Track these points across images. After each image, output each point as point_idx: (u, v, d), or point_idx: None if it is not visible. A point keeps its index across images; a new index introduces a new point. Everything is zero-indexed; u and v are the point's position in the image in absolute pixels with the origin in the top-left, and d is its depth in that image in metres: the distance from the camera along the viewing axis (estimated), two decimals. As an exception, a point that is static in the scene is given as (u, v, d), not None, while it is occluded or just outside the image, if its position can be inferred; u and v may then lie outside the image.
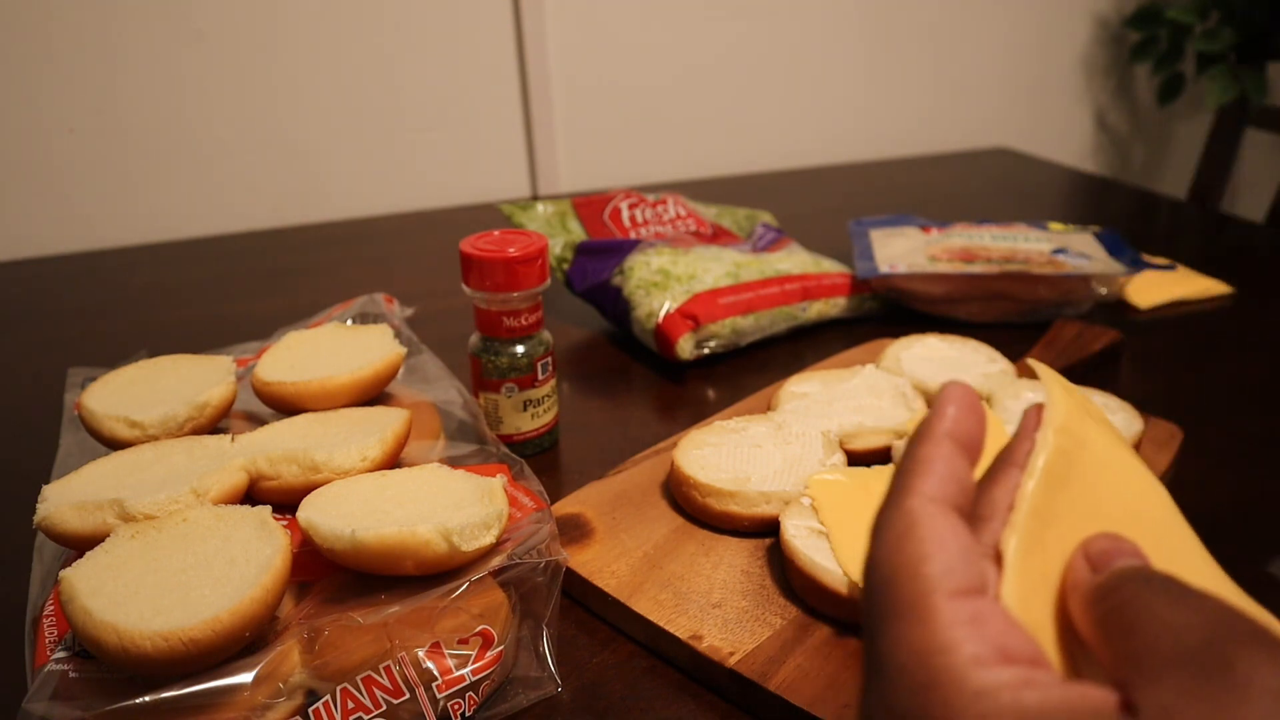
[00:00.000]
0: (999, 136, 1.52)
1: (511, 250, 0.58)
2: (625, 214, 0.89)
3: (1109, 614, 0.22)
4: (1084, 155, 1.61)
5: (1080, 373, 0.70)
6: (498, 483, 0.44)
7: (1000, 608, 0.22)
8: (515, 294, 0.58)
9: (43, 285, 0.98)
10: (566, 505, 0.54)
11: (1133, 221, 1.13)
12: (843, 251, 0.90)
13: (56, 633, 0.39)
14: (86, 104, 1.06)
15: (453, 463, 0.50)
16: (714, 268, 0.78)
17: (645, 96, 1.29)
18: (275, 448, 0.48)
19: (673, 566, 0.49)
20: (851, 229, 0.92)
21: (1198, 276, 0.90)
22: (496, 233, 0.60)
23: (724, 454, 0.55)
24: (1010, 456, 0.27)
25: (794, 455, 0.55)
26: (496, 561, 0.42)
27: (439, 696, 0.39)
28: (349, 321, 0.66)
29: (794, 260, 0.82)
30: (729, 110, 1.35)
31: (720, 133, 1.35)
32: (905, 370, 0.65)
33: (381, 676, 0.38)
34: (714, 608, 0.46)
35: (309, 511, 0.42)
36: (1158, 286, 0.87)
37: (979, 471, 0.27)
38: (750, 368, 0.75)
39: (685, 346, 0.73)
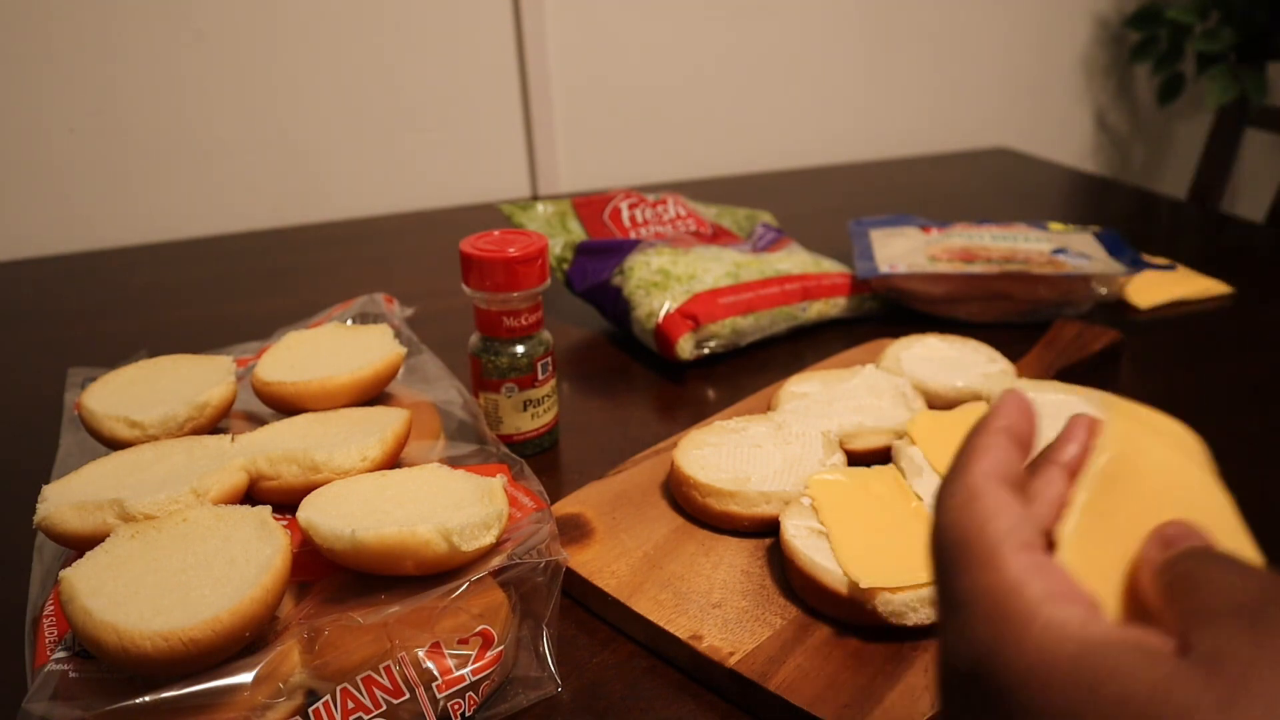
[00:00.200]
0: (999, 136, 1.52)
1: (511, 250, 0.58)
2: (625, 214, 0.89)
3: (1175, 579, 0.24)
4: (1084, 155, 1.61)
5: (1080, 373, 0.70)
6: (498, 483, 0.44)
7: (1059, 564, 0.25)
8: (515, 294, 0.58)
9: (43, 285, 0.98)
10: (566, 505, 0.54)
11: (1133, 221, 1.13)
12: (843, 251, 0.90)
13: (56, 633, 0.39)
14: (86, 104, 1.06)
15: (453, 463, 0.50)
16: (714, 268, 0.78)
17: (645, 96, 1.29)
18: (275, 448, 0.48)
19: (673, 566, 0.49)
20: (851, 229, 0.92)
21: (1198, 276, 0.90)
22: (496, 233, 0.60)
23: (724, 454, 0.55)
24: (1051, 455, 0.30)
25: (794, 455, 0.55)
26: (496, 561, 0.42)
27: (439, 696, 0.39)
28: (349, 321, 0.66)
29: (794, 260, 0.82)
30: (729, 110, 1.35)
31: (720, 133, 1.35)
32: (905, 370, 0.65)
33: (381, 676, 0.38)
34: (714, 608, 0.46)
35: (309, 511, 0.42)
36: (1158, 286, 0.87)
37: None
38: (750, 368, 0.75)
39: (685, 346, 0.73)
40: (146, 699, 0.35)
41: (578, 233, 0.86)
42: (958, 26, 1.43)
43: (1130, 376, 0.73)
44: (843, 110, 1.42)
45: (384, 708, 0.38)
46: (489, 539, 0.42)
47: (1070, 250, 0.84)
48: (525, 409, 0.61)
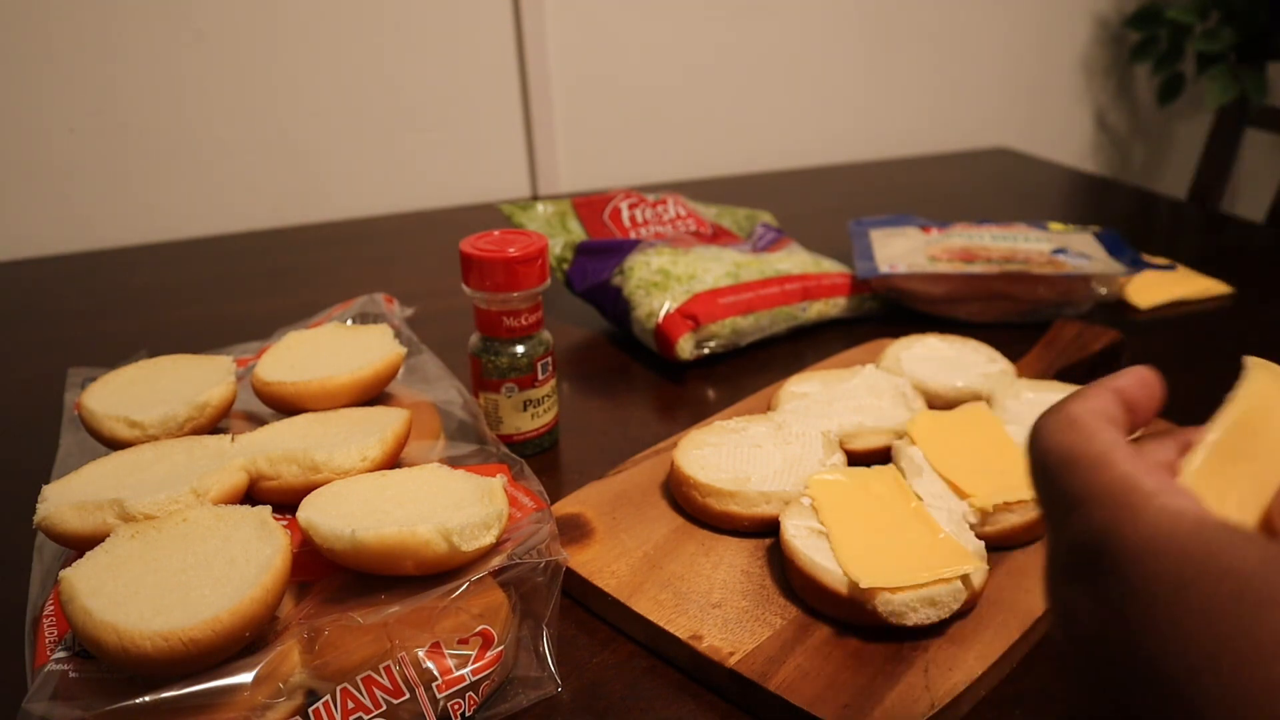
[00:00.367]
0: (999, 136, 1.52)
1: (511, 250, 0.58)
2: (625, 214, 0.89)
3: None
4: (1084, 155, 1.61)
5: (1080, 373, 0.70)
6: (498, 483, 0.44)
7: (1175, 477, 0.26)
8: (515, 294, 0.58)
9: (43, 285, 0.98)
10: (566, 505, 0.54)
11: (1133, 221, 1.13)
12: (843, 251, 0.90)
13: (56, 633, 0.39)
14: (86, 104, 1.06)
15: (453, 463, 0.50)
16: (714, 268, 0.78)
17: (645, 96, 1.29)
18: (275, 448, 0.48)
19: (673, 566, 0.49)
20: (851, 229, 0.92)
21: (1198, 276, 0.90)
22: (496, 233, 0.60)
23: (724, 454, 0.55)
24: (1169, 432, 0.30)
25: (794, 455, 0.55)
26: (496, 561, 0.42)
27: (439, 696, 0.39)
28: (349, 321, 0.66)
29: (794, 260, 0.82)
30: (729, 110, 1.35)
31: (720, 133, 1.35)
32: (905, 370, 0.65)
33: (381, 676, 0.38)
34: (714, 608, 0.46)
35: (309, 511, 0.42)
36: (1158, 286, 0.87)
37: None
38: (750, 368, 0.75)
39: (685, 346, 0.73)
40: (146, 699, 0.35)
41: (578, 233, 0.86)
42: (958, 27, 1.44)
43: (1130, 376, 0.73)
44: (843, 110, 1.42)
45: (384, 708, 0.38)
46: (489, 539, 0.42)
47: (1070, 250, 0.84)
48: (525, 409, 0.61)
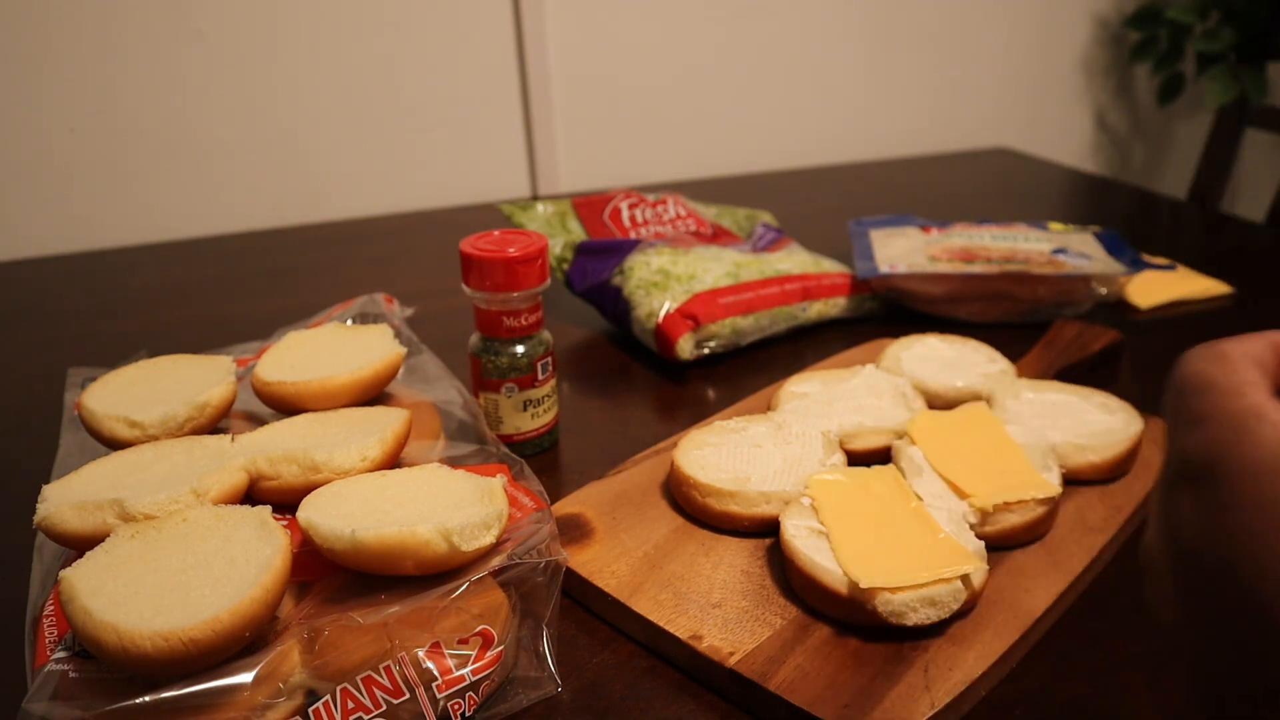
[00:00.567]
0: (999, 136, 1.52)
1: (511, 250, 0.58)
2: (625, 214, 0.89)
3: None
4: (1084, 155, 1.61)
5: (1080, 373, 0.70)
6: (498, 483, 0.44)
7: None
8: (515, 294, 0.58)
9: (43, 285, 0.98)
10: (566, 505, 0.54)
11: (1133, 221, 1.13)
12: (843, 251, 0.90)
13: (56, 633, 0.39)
14: (86, 104, 1.06)
15: (453, 463, 0.50)
16: (714, 268, 0.78)
17: (645, 96, 1.29)
18: (275, 448, 0.48)
19: (673, 566, 0.49)
20: (851, 229, 0.92)
21: (1198, 276, 0.90)
22: (496, 233, 0.60)
23: (724, 454, 0.55)
24: None
25: (794, 455, 0.55)
26: (496, 561, 0.42)
27: (439, 696, 0.39)
28: (349, 321, 0.66)
29: (794, 260, 0.82)
30: (729, 110, 1.35)
31: (720, 133, 1.35)
32: (905, 370, 0.65)
33: (381, 676, 0.38)
34: (714, 608, 0.46)
35: (309, 511, 0.42)
36: (1158, 286, 0.87)
37: None
38: (750, 368, 0.75)
39: (685, 346, 0.73)
40: (146, 699, 0.35)
41: (578, 233, 0.86)
42: (958, 27, 1.44)
43: (1130, 376, 0.73)
44: (843, 110, 1.42)
45: (384, 708, 0.38)
46: (489, 539, 0.42)
47: (1070, 250, 0.84)
48: (525, 409, 0.61)
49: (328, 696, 0.37)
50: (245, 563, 0.39)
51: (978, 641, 0.44)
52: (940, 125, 1.48)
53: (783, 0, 1.32)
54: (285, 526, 0.42)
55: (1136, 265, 0.82)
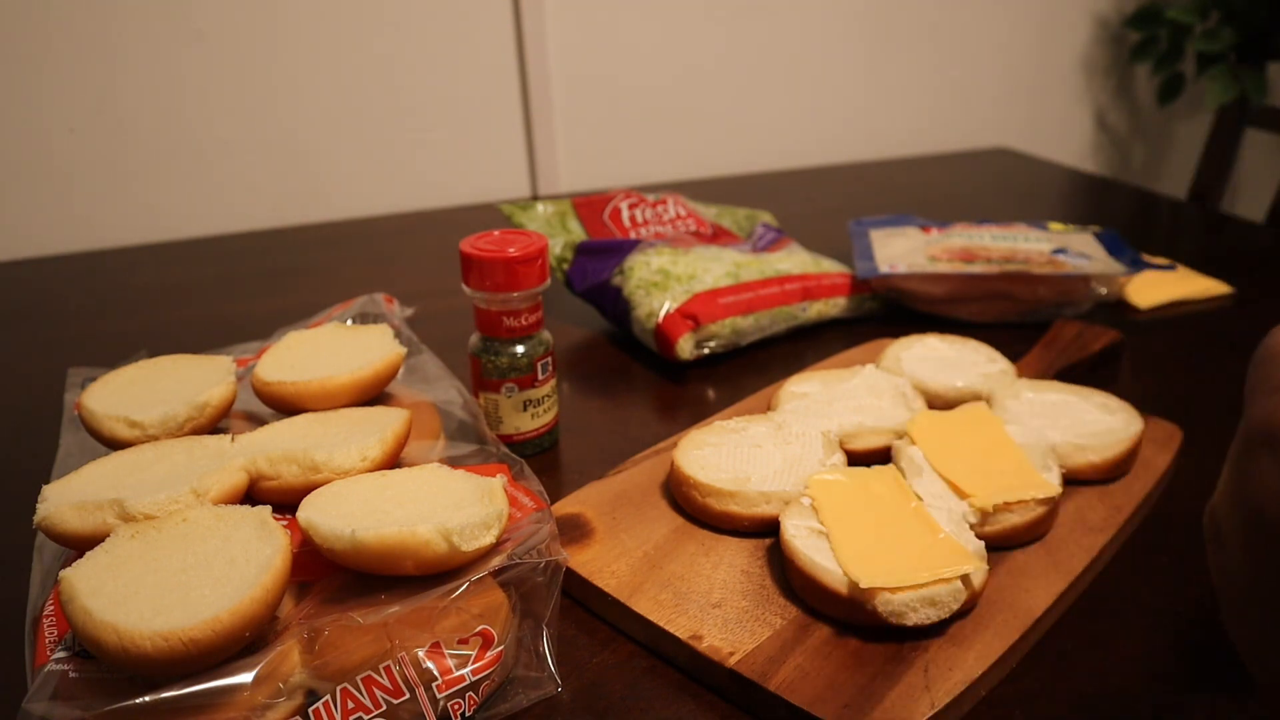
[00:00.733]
0: (999, 136, 1.52)
1: (511, 250, 0.58)
2: (625, 214, 0.89)
3: None
4: (1084, 155, 1.61)
5: (1080, 373, 0.70)
6: (498, 483, 0.44)
7: None
8: (515, 294, 0.58)
9: (43, 285, 0.98)
10: (566, 505, 0.54)
11: (1133, 221, 1.13)
12: (843, 251, 0.90)
13: (56, 633, 0.39)
14: (86, 104, 1.06)
15: (453, 463, 0.50)
16: (714, 268, 0.78)
17: (645, 96, 1.29)
18: (275, 448, 0.48)
19: (673, 566, 0.49)
20: (851, 229, 0.92)
21: (1198, 276, 0.90)
22: (496, 233, 0.60)
23: (724, 454, 0.55)
24: None
25: (794, 455, 0.55)
26: (496, 561, 0.42)
27: (439, 696, 0.39)
28: (349, 321, 0.66)
29: (794, 260, 0.82)
30: (729, 110, 1.35)
31: (720, 133, 1.35)
32: (905, 370, 0.65)
33: (381, 676, 0.38)
34: (714, 608, 0.46)
35: (309, 511, 0.42)
36: (1158, 286, 0.87)
37: None
38: (750, 368, 0.75)
39: (685, 346, 0.73)
40: (146, 699, 0.35)
41: (578, 233, 0.86)
42: (957, 27, 1.44)
43: (1130, 376, 0.73)
44: (843, 110, 1.42)
45: (384, 708, 0.38)
46: (489, 539, 0.42)
47: (1070, 250, 0.84)
48: (525, 409, 0.61)
49: (328, 696, 0.37)
50: (245, 563, 0.39)
51: (978, 641, 0.44)
52: (940, 125, 1.48)
53: (783, 0, 1.32)
54: (285, 526, 0.42)
55: (1136, 265, 0.82)
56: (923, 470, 0.53)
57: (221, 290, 0.95)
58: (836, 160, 1.42)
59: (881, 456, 0.57)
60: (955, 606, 0.44)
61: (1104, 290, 0.82)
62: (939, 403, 0.63)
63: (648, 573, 0.49)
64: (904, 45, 1.41)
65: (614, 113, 1.29)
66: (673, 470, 0.54)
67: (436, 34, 1.17)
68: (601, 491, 0.56)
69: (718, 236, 0.90)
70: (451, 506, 0.43)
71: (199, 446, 0.49)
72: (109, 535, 0.40)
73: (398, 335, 0.61)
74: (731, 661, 0.43)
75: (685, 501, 0.53)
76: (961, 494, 0.51)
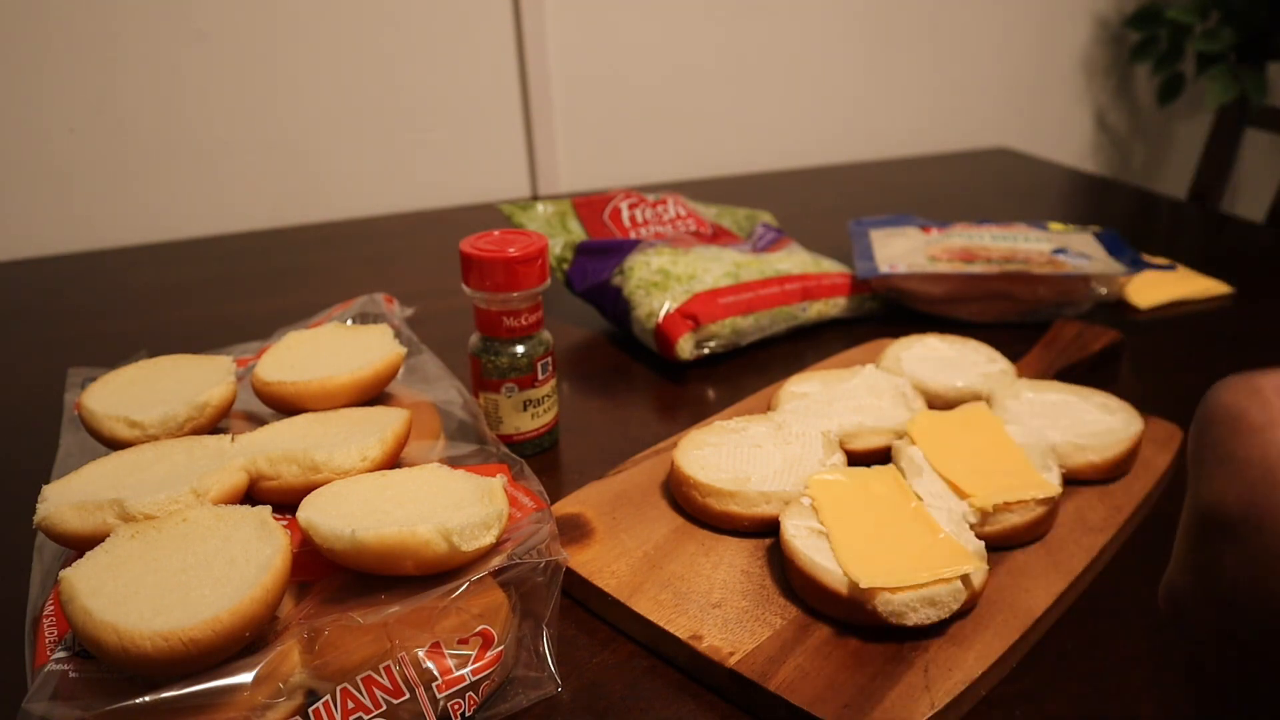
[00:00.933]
0: (999, 136, 1.52)
1: (511, 250, 0.58)
2: (625, 214, 0.89)
3: None
4: (1084, 155, 1.61)
5: (1080, 373, 0.70)
6: (498, 483, 0.44)
7: None
8: (515, 294, 0.58)
9: (43, 285, 0.98)
10: (566, 505, 0.54)
11: (1133, 221, 1.13)
12: (843, 251, 0.90)
13: (56, 633, 0.39)
14: (86, 104, 1.06)
15: (453, 463, 0.50)
16: (714, 268, 0.78)
17: (645, 96, 1.29)
18: (275, 448, 0.48)
19: (673, 566, 0.49)
20: (851, 229, 0.92)
21: (1198, 276, 0.90)
22: (496, 233, 0.60)
23: (724, 454, 0.55)
24: None
25: (794, 455, 0.55)
26: (496, 561, 0.42)
27: (439, 696, 0.39)
28: (349, 321, 0.66)
29: (794, 260, 0.82)
30: (729, 110, 1.35)
31: (720, 132, 1.35)
32: (905, 370, 0.65)
33: (381, 676, 0.38)
34: (714, 608, 0.46)
35: (309, 511, 0.42)
36: (1158, 286, 0.87)
37: None
38: (750, 368, 0.75)
39: (685, 346, 0.73)
40: (146, 699, 0.35)
41: (578, 233, 0.86)
42: (957, 26, 1.44)
43: (1130, 376, 0.73)
44: (842, 110, 1.42)
45: (384, 708, 0.38)
46: (489, 539, 0.42)
47: (1070, 250, 0.84)
48: (525, 409, 0.61)
49: (328, 696, 0.37)
50: (245, 563, 0.39)
51: (978, 641, 0.44)
52: (940, 125, 1.48)
53: (782, 0, 1.32)
54: (285, 526, 0.42)
55: (1136, 265, 0.82)
56: (923, 470, 0.53)
57: (221, 290, 0.95)
58: (836, 160, 1.42)
59: (881, 456, 0.57)
60: (955, 606, 0.44)
61: (1104, 290, 0.82)
62: (939, 403, 0.63)
63: (648, 573, 0.49)
64: (904, 45, 1.41)
65: (614, 113, 1.29)
66: (673, 470, 0.54)
67: (436, 34, 1.17)
68: (601, 491, 0.56)
69: (718, 236, 0.90)
70: (451, 506, 0.43)
71: (199, 446, 0.49)
72: (109, 535, 0.40)
73: (398, 335, 0.61)
74: (731, 661, 0.43)
75: (685, 501, 0.53)
76: (961, 494, 0.51)
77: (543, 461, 0.63)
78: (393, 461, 0.49)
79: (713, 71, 1.32)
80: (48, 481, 0.46)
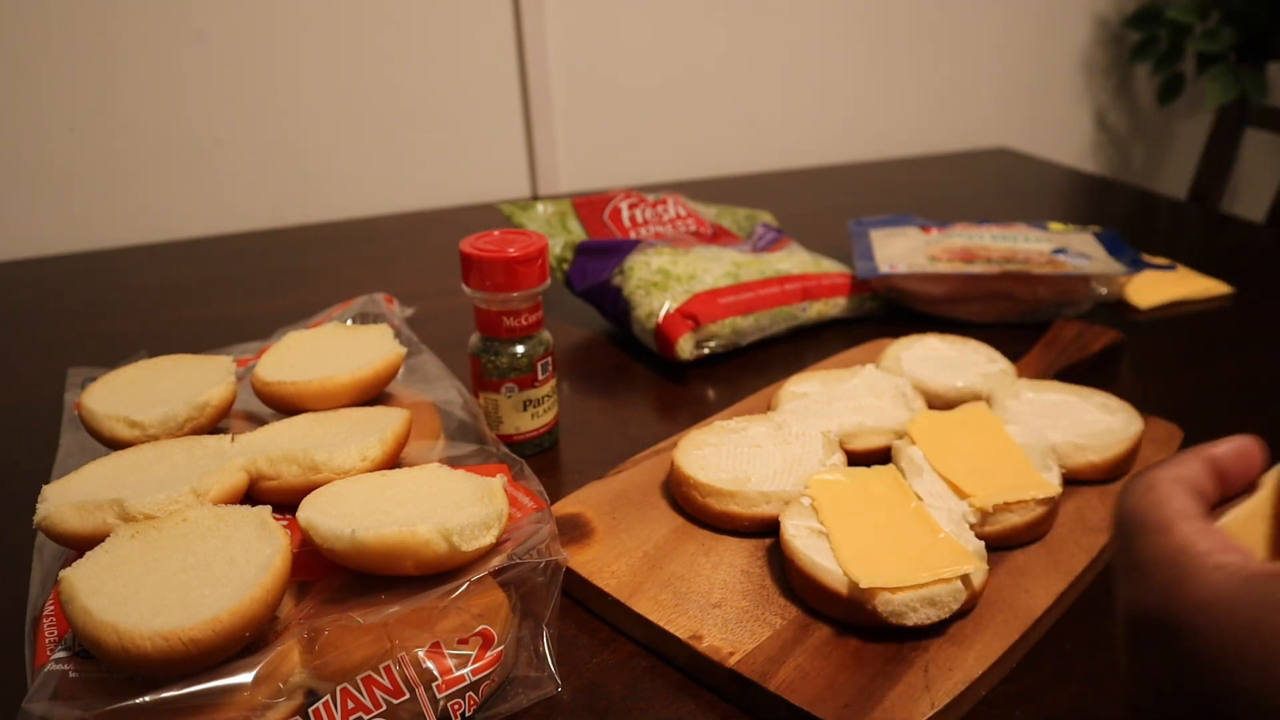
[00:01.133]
0: (999, 136, 1.52)
1: (511, 250, 0.58)
2: (625, 214, 0.89)
3: None
4: (1084, 155, 1.61)
5: (1080, 373, 0.70)
6: (498, 483, 0.44)
7: (1220, 530, 0.28)
8: (515, 294, 0.58)
9: (43, 285, 0.98)
10: (566, 505, 0.54)
11: (1133, 221, 1.13)
12: (843, 251, 0.90)
13: (56, 633, 0.39)
14: (86, 104, 1.06)
15: (453, 463, 0.50)
16: (714, 268, 0.78)
17: (645, 96, 1.29)
18: (275, 448, 0.48)
19: (673, 566, 0.49)
20: (851, 229, 0.92)
21: (1198, 276, 0.90)
22: (496, 233, 0.60)
23: (724, 454, 0.55)
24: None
25: (794, 455, 0.55)
26: (496, 561, 0.42)
27: (439, 696, 0.39)
28: (349, 321, 0.66)
29: (794, 260, 0.82)
30: (729, 110, 1.35)
31: (720, 133, 1.35)
32: (905, 370, 0.65)
33: (381, 676, 0.38)
34: (714, 608, 0.46)
35: (309, 511, 0.42)
36: (1158, 286, 0.87)
37: None
38: (750, 368, 0.75)
39: (685, 346, 0.73)
40: (146, 699, 0.35)
41: (578, 233, 0.86)
42: (957, 26, 1.44)
43: (1130, 376, 0.73)
44: (842, 110, 1.42)
45: (384, 708, 0.38)
46: (489, 539, 0.42)
47: (1070, 250, 0.84)
48: (525, 409, 0.61)
49: (328, 696, 0.37)
50: (245, 563, 0.39)
51: (978, 641, 0.44)
52: (940, 125, 1.48)
53: (783, 1, 1.32)
54: (285, 526, 0.42)
55: (1136, 265, 0.82)
56: (923, 470, 0.53)
57: (221, 290, 0.95)
58: (836, 160, 1.42)
59: (881, 456, 0.57)
60: (955, 606, 0.44)
61: (1104, 290, 0.82)
62: (939, 403, 0.63)
63: (648, 573, 0.49)
64: (904, 45, 1.41)
65: (614, 113, 1.29)
66: (673, 470, 0.54)
67: (436, 34, 1.17)
68: (601, 491, 0.56)
69: (718, 236, 0.90)
70: (451, 506, 0.43)
71: (199, 446, 0.49)
72: (109, 535, 0.40)
73: (398, 335, 0.61)
74: (731, 661, 0.43)
75: (685, 501, 0.53)
76: (961, 494, 0.51)
77: (543, 461, 0.63)
78: (393, 461, 0.49)
79: (713, 71, 1.32)
80: (48, 481, 0.46)
